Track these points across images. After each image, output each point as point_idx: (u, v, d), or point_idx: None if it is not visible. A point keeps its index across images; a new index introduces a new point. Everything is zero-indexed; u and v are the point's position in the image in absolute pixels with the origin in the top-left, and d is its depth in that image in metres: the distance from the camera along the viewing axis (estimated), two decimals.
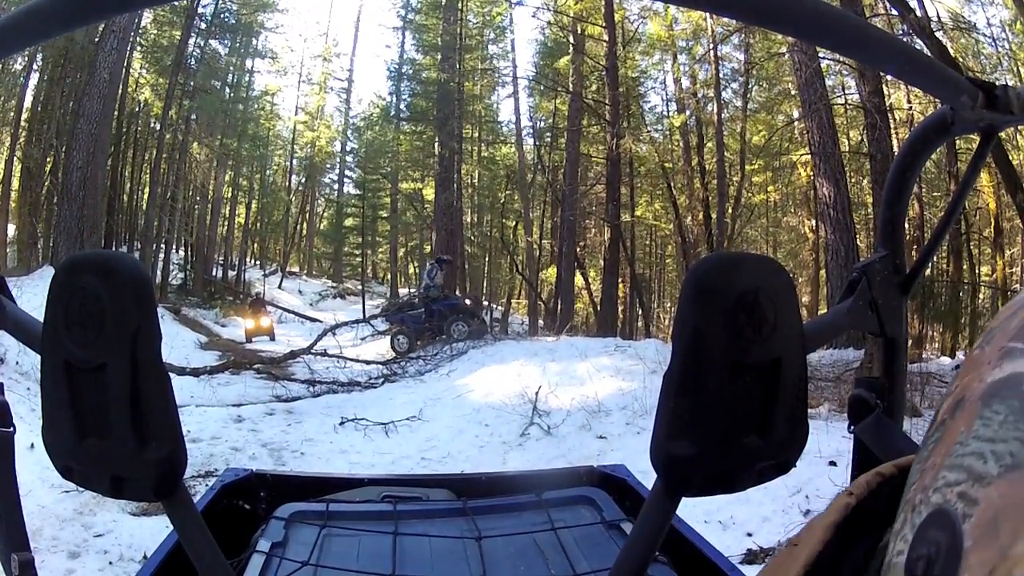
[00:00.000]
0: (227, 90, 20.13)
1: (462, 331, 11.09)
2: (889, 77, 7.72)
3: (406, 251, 25.11)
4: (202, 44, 18.13)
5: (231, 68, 20.27)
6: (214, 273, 20.33)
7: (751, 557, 3.51)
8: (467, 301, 12.85)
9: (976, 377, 0.26)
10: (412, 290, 21.80)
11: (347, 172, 25.33)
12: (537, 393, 6.86)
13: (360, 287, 21.98)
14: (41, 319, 0.67)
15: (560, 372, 7.70)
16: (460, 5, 18.95)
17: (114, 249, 13.78)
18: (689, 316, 0.68)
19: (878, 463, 0.44)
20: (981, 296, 11.12)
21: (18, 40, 0.68)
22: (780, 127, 14.06)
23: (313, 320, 17.20)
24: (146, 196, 16.77)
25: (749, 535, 3.80)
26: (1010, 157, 7.54)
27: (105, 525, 3.93)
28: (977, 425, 0.24)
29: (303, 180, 25.82)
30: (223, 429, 6.53)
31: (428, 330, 11.57)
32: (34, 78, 13.84)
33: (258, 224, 23.85)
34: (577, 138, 16.11)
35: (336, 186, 26.00)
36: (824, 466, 4.19)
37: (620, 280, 15.44)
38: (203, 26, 17.70)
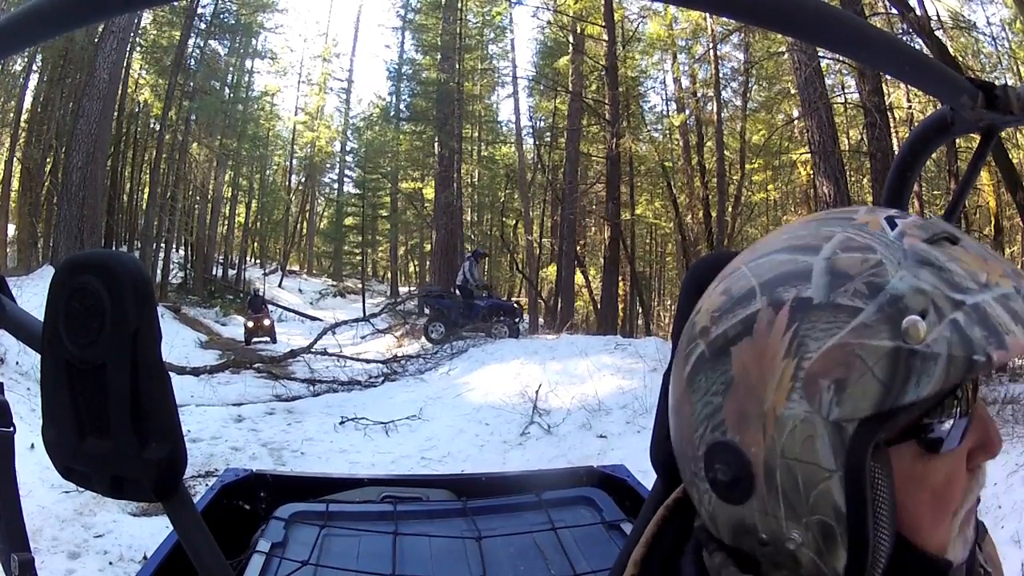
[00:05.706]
0: (227, 90, 20.13)
1: (503, 331, 10.98)
2: (889, 77, 7.72)
3: (406, 250, 25.12)
4: (202, 44, 18.12)
5: (231, 68, 20.27)
6: (214, 272, 20.34)
7: None
8: (515, 303, 12.66)
9: None
10: (412, 288, 21.82)
11: (347, 172, 25.36)
12: (537, 392, 6.85)
13: (360, 285, 21.99)
14: (41, 319, 0.67)
15: (560, 371, 7.68)
16: (460, 5, 18.92)
17: (114, 249, 13.78)
18: (689, 314, 0.68)
19: None
20: None
21: (18, 40, 0.68)
22: (780, 126, 14.04)
23: (313, 319, 17.20)
24: (146, 196, 16.77)
25: None
26: (1010, 156, 7.53)
27: (105, 525, 3.92)
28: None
29: (303, 180, 25.85)
30: (223, 429, 6.51)
31: (467, 322, 11.13)
32: (34, 78, 13.87)
33: (258, 223, 23.85)
34: (577, 137, 16.10)
35: (336, 185, 26.05)
36: None
37: (620, 278, 15.43)
38: (203, 26, 17.68)
